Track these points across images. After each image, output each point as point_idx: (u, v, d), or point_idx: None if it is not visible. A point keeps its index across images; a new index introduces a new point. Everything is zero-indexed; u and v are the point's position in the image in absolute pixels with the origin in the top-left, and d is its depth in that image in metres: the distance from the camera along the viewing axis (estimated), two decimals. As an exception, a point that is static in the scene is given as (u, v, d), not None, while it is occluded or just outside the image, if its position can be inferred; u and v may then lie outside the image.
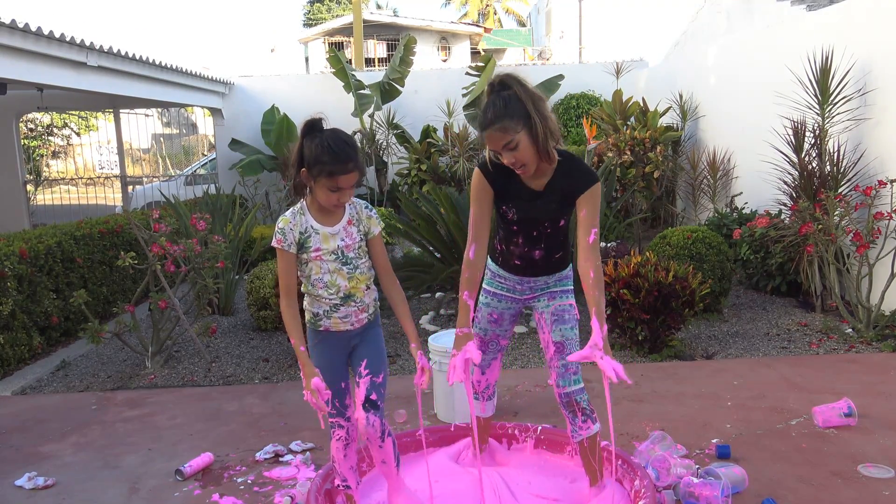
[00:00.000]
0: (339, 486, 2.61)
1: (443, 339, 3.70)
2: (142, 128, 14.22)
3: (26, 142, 16.28)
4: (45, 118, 17.40)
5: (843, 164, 5.47)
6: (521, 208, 2.54)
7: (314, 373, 2.36)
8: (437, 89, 11.61)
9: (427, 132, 10.88)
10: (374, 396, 2.46)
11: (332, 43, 22.50)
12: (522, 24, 33.45)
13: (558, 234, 2.61)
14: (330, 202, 2.35)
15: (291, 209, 2.45)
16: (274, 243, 2.40)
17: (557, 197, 2.50)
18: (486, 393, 2.94)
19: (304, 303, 2.51)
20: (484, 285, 2.74)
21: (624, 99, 9.13)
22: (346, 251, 2.42)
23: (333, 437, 2.52)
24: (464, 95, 11.14)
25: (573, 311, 2.64)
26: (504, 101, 2.33)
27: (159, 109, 17.35)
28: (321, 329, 2.48)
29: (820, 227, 4.98)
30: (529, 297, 2.70)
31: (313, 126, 2.34)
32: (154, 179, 14.33)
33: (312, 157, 2.29)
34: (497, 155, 2.41)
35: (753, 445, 3.26)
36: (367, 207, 2.50)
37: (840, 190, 5.40)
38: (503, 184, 2.52)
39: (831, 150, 5.53)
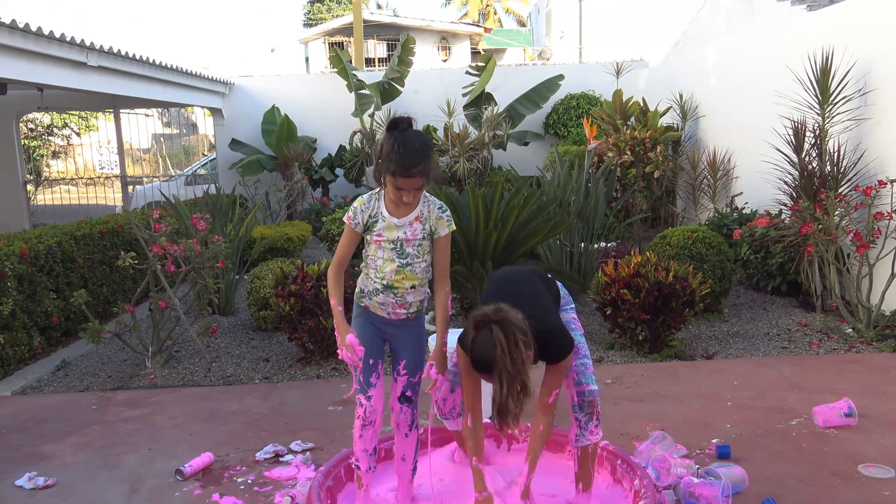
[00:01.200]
0: (352, 462, 2.72)
1: (443, 339, 3.69)
2: (142, 128, 14.22)
3: (26, 142, 16.28)
4: (45, 118, 17.39)
5: (844, 164, 5.47)
6: None
7: (349, 330, 2.51)
8: (437, 89, 11.61)
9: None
10: (409, 393, 2.63)
11: (332, 43, 22.47)
12: (522, 24, 33.44)
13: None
14: (395, 197, 2.44)
15: (370, 193, 2.56)
16: (345, 218, 2.54)
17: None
18: (454, 412, 2.90)
19: (358, 279, 2.64)
20: None
21: (624, 99, 9.13)
22: (406, 245, 2.50)
23: (356, 415, 2.61)
24: (464, 95, 11.14)
25: (577, 323, 2.71)
26: (484, 351, 2.25)
27: (159, 109, 17.34)
28: (363, 305, 2.61)
29: (820, 227, 4.98)
30: None
31: (396, 124, 2.42)
32: (154, 179, 14.33)
33: (385, 154, 2.41)
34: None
35: (754, 445, 3.27)
36: (440, 208, 2.55)
37: (840, 190, 5.40)
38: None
39: (831, 150, 5.53)
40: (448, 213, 2.56)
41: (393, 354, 2.65)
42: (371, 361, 2.56)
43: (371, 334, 2.60)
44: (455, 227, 2.61)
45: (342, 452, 2.94)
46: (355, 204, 2.54)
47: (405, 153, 2.34)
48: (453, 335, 3.75)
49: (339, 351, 2.49)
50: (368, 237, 2.54)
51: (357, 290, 2.64)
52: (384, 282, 2.51)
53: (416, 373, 2.62)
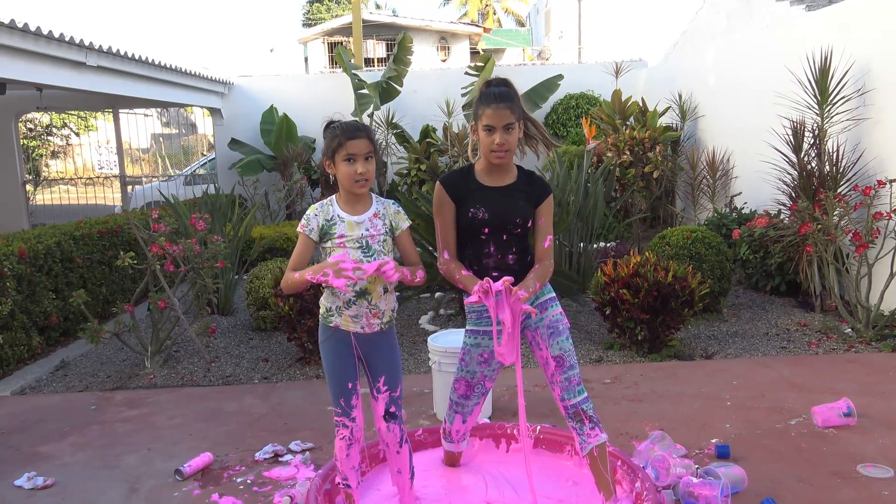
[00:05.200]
0: (339, 483, 2.62)
1: (442, 340, 3.69)
2: (141, 128, 14.21)
3: (25, 142, 16.26)
4: (44, 118, 17.38)
5: (843, 164, 5.48)
6: (491, 206, 2.57)
7: (324, 262, 2.40)
8: (436, 89, 11.61)
9: (426, 132, 10.87)
10: (392, 409, 2.54)
11: (331, 43, 22.48)
12: (522, 24, 33.44)
13: (525, 237, 2.63)
14: (351, 177, 2.41)
15: (321, 201, 2.54)
16: (298, 228, 2.49)
17: (522, 197, 2.60)
18: (459, 436, 2.88)
19: (321, 298, 2.54)
20: (469, 327, 2.67)
21: (623, 99, 9.14)
22: (372, 241, 2.45)
23: (337, 436, 2.54)
24: (463, 95, 11.13)
25: (564, 320, 2.61)
26: (508, 90, 2.55)
27: (158, 109, 17.34)
28: (331, 325, 2.50)
29: (819, 227, 4.98)
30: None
31: (328, 123, 2.48)
32: (153, 179, 14.33)
33: (327, 143, 2.45)
34: (489, 130, 2.52)
35: (753, 445, 3.27)
36: (394, 204, 2.56)
37: (839, 190, 5.40)
38: (463, 187, 2.61)
39: (830, 150, 5.53)
40: (402, 209, 2.57)
41: (370, 372, 2.54)
42: (349, 385, 2.49)
43: (345, 358, 2.49)
44: (411, 222, 2.60)
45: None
46: (308, 211, 2.50)
47: (348, 125, 2.45)
48: (451, 335, 3.76)
49: (325, 272, 2.32)
50: (329, 244, 2.45)
51: (323, 310, 2.51)
52: (357, 287, 2.42)
53: (396, 387, 2.53)
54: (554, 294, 2.66)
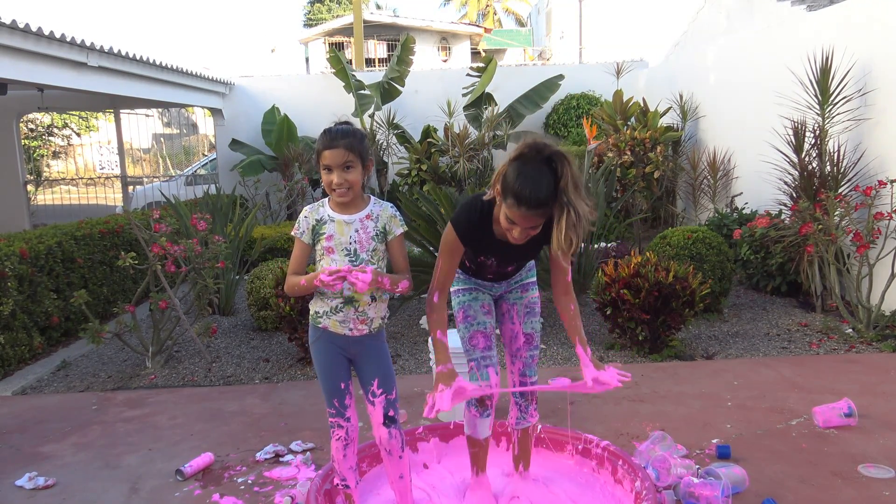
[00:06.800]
0: (338, 485, 2.62)
1: (443, 340, 3.68)
2: (142, 128, 14.23)
3: (27, 142, 16.29)
4: (45, 118, 17.40)
5: (844, 165, 5.48)
6: (500, 256, 2.53)
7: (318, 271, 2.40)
8: (437, 89, 11.62)
9: (427, 132, 10.88)
10: (391, 413, 2.50)
11: (332, 43, 22.50)
12: (522, 25, 33.46)
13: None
14: (328, 185, 2.39)
15: (313, 203, 2.53)
16: (292, 231, 2.51)
17: (533, 244, 2.43)
18: (492, 404, 2.69)
19: (311, 301, 2.54)
20: (460, 286, 2.68)
21: (624, 99, 9.14)
22: (360, 249, 2.41)
23: (333, 437, 2.53)
24: (464, 95, 11.14)
25: (539, 304, 2.73)
26: (549, 185, 2.16)
27: (160, 109, 17.35)
28: (320, 326, 2.49)
29: (820, 227, 4.98)
30: (503, 292, 2.73)
31: (325, 130, 2.42)
32: (154, 179, 14.34)
33: (315, 148, 2.42)
34: (510, 222, 2.24)
35: (754, 445, 3.27)
36: (392, 208, 2.50)
37: (840, 190, 5.40)
38: (478, 238, 2.46)
39: (831, 151, 5.53)
40: (400, 214, 2.51)
41: (361, 376, 2.51)
42: (342, 385, 2.48)
43: (335, 358, 2.48)
44: (407, 228, 2.57)
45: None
46: (300, 215, 2.49)
47: (333, 131, 2.35)
48: (451, 335, 3.75)
49: (321, 278, 2.31)
50: (319, 247, 2.43)
51: (312, 312, 2.50)
52: (344, 294, 2.41)
53: (391, 389, 2.51)
54: (535, 279, 2.74)
